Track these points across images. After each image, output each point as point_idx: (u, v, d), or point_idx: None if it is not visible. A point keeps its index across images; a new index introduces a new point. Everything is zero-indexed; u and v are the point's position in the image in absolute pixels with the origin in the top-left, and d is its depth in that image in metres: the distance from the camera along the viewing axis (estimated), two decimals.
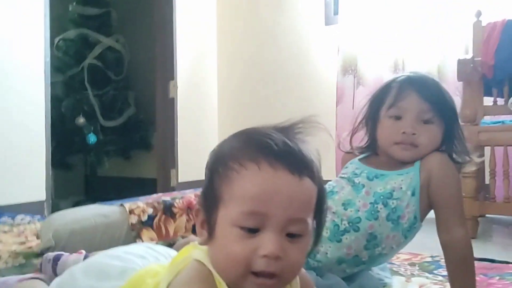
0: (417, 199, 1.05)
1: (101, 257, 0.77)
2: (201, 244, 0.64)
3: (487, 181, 2.06)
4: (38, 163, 2.50)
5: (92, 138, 3.33)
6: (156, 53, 3.23)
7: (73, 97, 3.38)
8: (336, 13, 3.04)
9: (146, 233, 1.51)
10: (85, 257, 1.25)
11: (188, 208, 1.59)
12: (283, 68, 3.24)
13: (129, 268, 0.72)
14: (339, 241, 1.05)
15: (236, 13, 3.48)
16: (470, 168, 1.13)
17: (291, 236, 0.60)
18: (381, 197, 1.05)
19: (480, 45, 2.16)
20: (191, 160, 3.12)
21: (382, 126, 1.11)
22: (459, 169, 1.10)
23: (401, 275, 1.34)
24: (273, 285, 0.59)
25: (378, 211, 1.04)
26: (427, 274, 1.35)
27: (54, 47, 3.29)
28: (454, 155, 1.09)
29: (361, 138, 1.18)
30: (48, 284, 1.01)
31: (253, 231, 0.59)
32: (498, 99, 2.25)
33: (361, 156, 1.17)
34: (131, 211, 1.52)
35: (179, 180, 3.16)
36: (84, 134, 3.34)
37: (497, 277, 1.32)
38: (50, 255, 1.14)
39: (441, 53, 2.50)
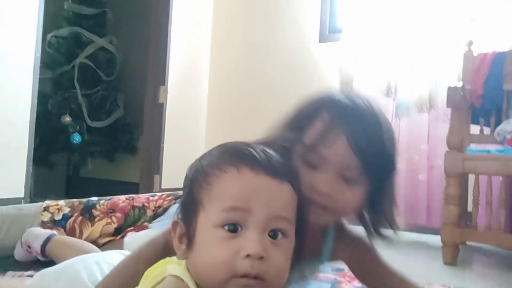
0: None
1: (75, 263, 0.74)
2: (179, 258, 0.61)
3: (469, 209, 2.08)
4: (19, 159, 2.45)
5: (76, 138, 3.29)
6: (148, 57, 3.22)
7: (61, 95, 3.34)
8: (330, 31, 3.06)
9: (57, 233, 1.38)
10: (49, 238, 1.24)
11: (111, 210, 1.45)
12: (275, 82, 3.24)
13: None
14: None
15: (231, 24, 3.49)
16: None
17: (273, 237, 0.58)
18: None
19: (470, 74, 2.19)
20: (176, 167, 3.07)
21: None
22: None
23: None
24: (257, 286, 0.55)
25: None
26: None
27: (45, 43, 3.26)
28: (375, 226, 0.82)
29: None
30: None
31: (234, 231, 0.56)
32: (484, 128, 2.27)
33: None
34: (46, 208, 1.42)
35: (162, 186, 3.12)
36: (69, 133, 3.29)
37: None
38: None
39: (434, 79, 2.53)
